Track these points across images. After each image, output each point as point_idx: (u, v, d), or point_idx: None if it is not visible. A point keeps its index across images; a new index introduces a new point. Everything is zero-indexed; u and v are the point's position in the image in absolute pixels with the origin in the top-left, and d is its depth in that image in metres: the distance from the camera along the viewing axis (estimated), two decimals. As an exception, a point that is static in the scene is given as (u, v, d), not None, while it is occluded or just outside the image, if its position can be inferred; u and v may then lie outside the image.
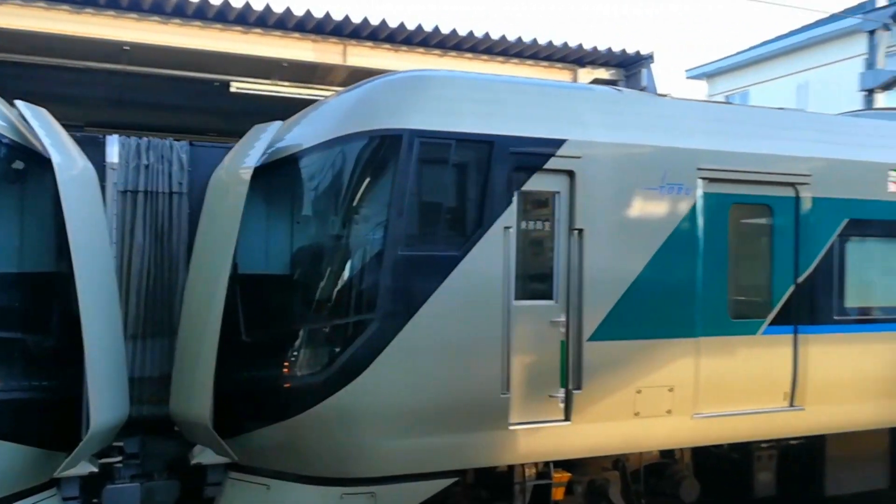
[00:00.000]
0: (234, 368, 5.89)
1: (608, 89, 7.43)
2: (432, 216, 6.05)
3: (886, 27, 16.09)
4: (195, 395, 5.83)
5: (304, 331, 6.00)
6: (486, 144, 6.10)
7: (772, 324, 7.08)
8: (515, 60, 9.86)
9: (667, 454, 7.18)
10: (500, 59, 9.72)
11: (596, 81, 10.10)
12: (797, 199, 7.20)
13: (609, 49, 10.22)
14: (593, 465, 6.85)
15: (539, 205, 6.40)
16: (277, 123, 6.58)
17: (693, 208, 6.77)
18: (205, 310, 5.85)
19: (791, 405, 7.11)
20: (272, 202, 6.40)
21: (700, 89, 27.56)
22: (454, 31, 9.25)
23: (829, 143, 7.51)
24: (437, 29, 9.30)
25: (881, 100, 16.55)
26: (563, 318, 6.35)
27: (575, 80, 10.21)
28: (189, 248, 6.47)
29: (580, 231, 6.35)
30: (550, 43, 9.74)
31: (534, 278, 6.37)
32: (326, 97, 7.41)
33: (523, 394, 6.18)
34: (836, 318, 7.31)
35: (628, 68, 10.52)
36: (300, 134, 6.32)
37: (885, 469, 7.97)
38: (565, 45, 9.87)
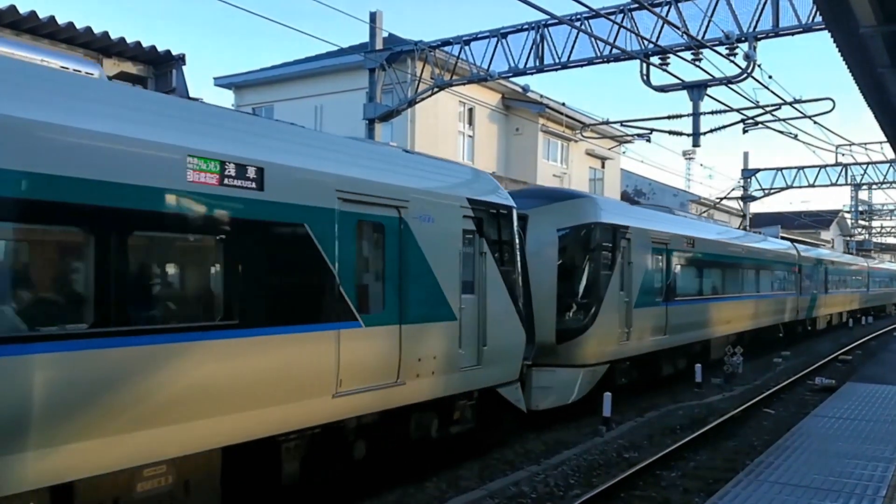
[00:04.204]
0: (560, 320, 12.82)
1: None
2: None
3: (383, 67, 18.72)
4: (548, 332, 12.58)
5: (581, 304, 13.04)
6: (623, 228, 14.13)
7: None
8: (28, 36, 8.76)
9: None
10: (10, 31, 8.60)
11: (122, 75, 9.46)
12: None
13: (138, 43, 9.55)
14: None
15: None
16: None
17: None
18: (548, 297, 12.67)
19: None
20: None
21: (227, 98, 26.43)
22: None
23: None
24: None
25: (379, 128, 19.28)
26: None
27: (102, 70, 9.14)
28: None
29: None
30: (71, 24, 8.84)
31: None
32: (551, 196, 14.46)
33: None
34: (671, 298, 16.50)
35: (158, 66, 10.12)
36: (564, 219, 13.35)
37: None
38: (88, 30, 9.01)
